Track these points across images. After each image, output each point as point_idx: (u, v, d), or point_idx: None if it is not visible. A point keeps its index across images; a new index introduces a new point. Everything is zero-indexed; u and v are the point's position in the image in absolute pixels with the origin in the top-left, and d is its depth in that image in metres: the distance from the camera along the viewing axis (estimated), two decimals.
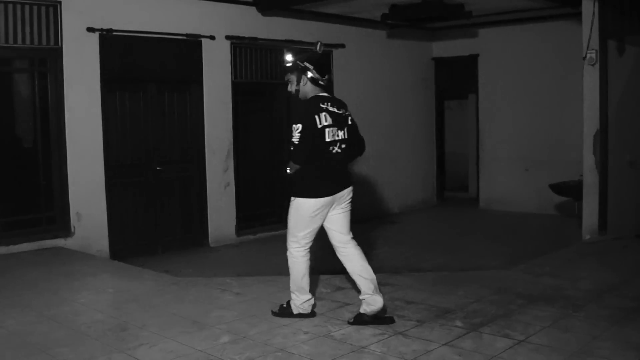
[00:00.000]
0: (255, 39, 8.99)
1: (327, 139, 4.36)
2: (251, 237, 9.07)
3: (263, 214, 9.44)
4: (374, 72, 10.79)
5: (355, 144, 4.66)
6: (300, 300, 4.56)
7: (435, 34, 11.74)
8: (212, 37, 8.49)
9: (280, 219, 9.56)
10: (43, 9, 7.06)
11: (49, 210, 7.31)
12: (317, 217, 4.40)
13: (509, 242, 8.60)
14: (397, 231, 9.84)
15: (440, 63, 11.99)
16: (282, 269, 6.88)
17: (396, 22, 9.97)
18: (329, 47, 9.99)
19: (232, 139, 8.77)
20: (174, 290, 5.45)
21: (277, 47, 9.33)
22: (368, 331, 4.26)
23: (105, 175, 7.56)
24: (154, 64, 8.06)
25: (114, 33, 7.53)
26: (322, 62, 4.58)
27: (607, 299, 4.94)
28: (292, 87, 4.51)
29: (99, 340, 4.18)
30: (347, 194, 4.50)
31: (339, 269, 6.97)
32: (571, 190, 9.14)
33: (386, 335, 4.17)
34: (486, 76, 11.36)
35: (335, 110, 4.44)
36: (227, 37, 8.66)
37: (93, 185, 7.46)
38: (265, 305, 4.92)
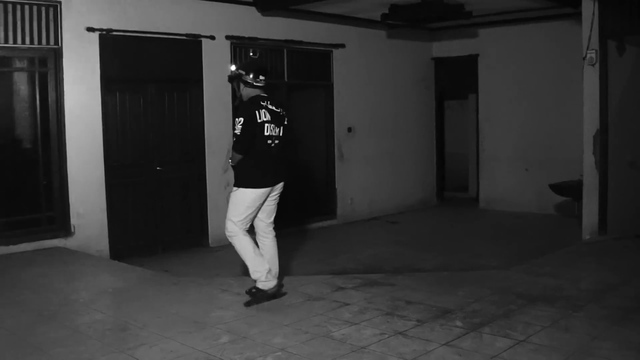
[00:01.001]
0: (255, 39, 8.99)
1: (266, 133, 4.86)
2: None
3: None
4: (374, 72, 10.79)
5: (288, 143, 5.15)
6: (263, 272, 4.90)
7: (435, 34, 11.74)
8: (212, 37, 8.49)
9: (280, 219, 9.57)
10: (43, 9, 7.06)
11: (49, 210, 7.31)
12: (256, 204, 4.92)
13: (509, 242, 8.60)
14: (397, 231, 9.84)
15: (440, 63, 11.99)
16: (282, 269, 6.90)
17: (396, 22, 9.98)
18: (329, 47, 10.01)
19: (232, 139, 8.75)
20: (174, 290, 5.45)
21: (277, 47, 9.34)
22: (368, 331, 4.26)
23: (105, 175, 7.56)
24: (154, 64, 8.06)
25: (114, 33, 7.53)
26: (260, 66, 5.15)
27: (607, 299, 4.94)
28: (237, 92, 5.06)
29: (99, 340, 4.18)
30: (280, 187, 5.08)
31: (339, 270, 6.99)
32: (571, 190, 9.14)
33: (386, 335, 4.17)
34: (486, 76, 11.36)
35: (273, 108, 4.94)
36: (227, 37, 8.67)
37: (93, 185, 7.46)
38: (266, 305, 4.93)
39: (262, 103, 4.88)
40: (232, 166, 4.98)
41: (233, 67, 5.06)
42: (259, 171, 4.88)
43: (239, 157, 4.84)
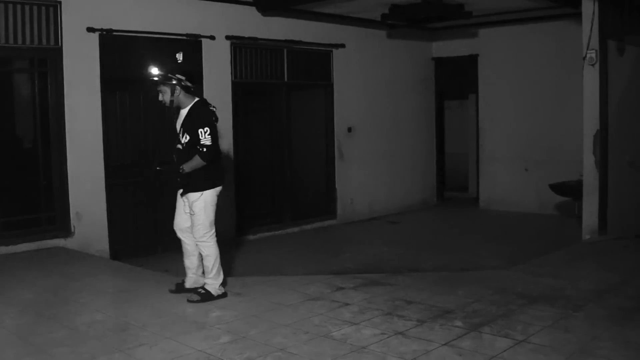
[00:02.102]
0: (255, 39, 8.99)
1: (218, 137, 5.11)
2: (251, 237, 9.08)
3: (263, 214, 9.44)
4: (374, 72, 10.79)
5: None
6: (219, 282, 5.11)
7: (435, 34, 11.74)
8: (212, 37, 8.49)
9: (280, 219, 9.60)
10: (43, 9, 7.06)
11: (49, 210, 7.31)
12: (216, 203, 5.06)
13: (509, 242, 8.60)
14: (397, 231, 9.84)
15: (440, 63, 11.99)
16: (282, 269, 6.90)
17: (396, 22, 9.98)
18: (329, 47, 10.01)
19: (232, 139, 8.77)
20: None
21: (277, 47, 9.34)
22: (368, 331, 4.26)
23: (105, 175, 7.56)
24: (154, 64, 8.02)
25: (114, 33, 7.53)
26: (189, 70, 5.16)
27: (607, 299, 4.94)
28: (164, 98, 4.98)
29: (99, 340, 4.19)
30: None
31: (339, 270, 6.99)
32: (571, 190, 9.15)
33: (386, 335, 4.17)
34: (486, 76, 11.36)
35: (215, 110, 5.09)
36: (227, 37, 8.67)
37: (93, 185, 7.46)
38: (265, 305, 4.93)
39: (212, 109, 5.01)
40: (183, 173, 4.94)
41: (155, 71, 5.00)
42: (217, 171, 5.06)
43: (202, 164, 4.89)
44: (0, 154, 7.04)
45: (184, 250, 5.28)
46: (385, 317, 4.55)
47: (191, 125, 4.93)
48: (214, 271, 5.09)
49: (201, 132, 4.84)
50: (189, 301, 5.03)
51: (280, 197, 9.62)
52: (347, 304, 4.90)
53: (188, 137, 4.92)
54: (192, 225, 5.07)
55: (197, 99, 5.05)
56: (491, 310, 4.66)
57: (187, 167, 4.92)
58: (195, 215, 5.01)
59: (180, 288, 5.25)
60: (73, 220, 7.32)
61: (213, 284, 5.10)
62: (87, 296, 5.30)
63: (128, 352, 3.95)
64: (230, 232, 8.84)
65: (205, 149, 4.86)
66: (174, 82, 4.92)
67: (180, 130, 5.01)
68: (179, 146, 5.01)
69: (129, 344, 4.09)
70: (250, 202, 9.18)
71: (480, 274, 6.20)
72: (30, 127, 7.33)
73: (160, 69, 5.01)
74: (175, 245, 8.26)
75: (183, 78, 4.93)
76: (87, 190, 7.40)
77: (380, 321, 4.47)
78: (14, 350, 4.03)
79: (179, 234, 5.25)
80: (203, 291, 5.08)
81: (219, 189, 5.06)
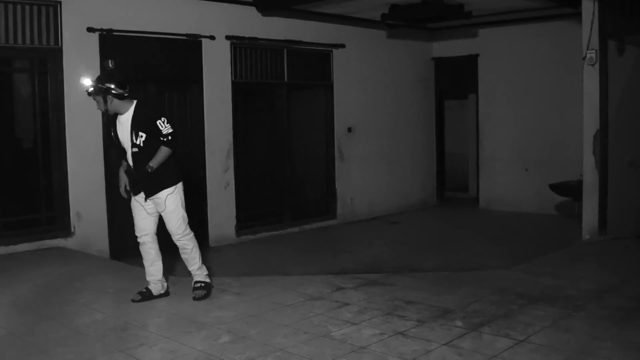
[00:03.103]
0: (255, 39, 8.99)
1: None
2: (251, 237, 9.07)
3: (263, 214, 9.45)
4: (374, 72, 10.79)
5: None
6: (206, 270, 5.24)
7: (435, 34, 11.74)
8: (212, 37, 8.49)
9: (280, 219, 9.59)
10: (43, 9, 7.06)
11: (49, 210, 7.31)
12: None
13: (509, 242, 8.59)
14: (397, 231, 9.84)
15: (440, 63, 11.98)
16: (282, 269, 6.90)
17: (396, 22, 9.98)
18: (329, 47, 10.00)
19: (232, 139, 8.77)
20: (174, 290, 5.45)
21: (277, 47, 9.34)
22: (368, 331, 4.26)
23: (105, 175, 7.56)
24: (154, 64, 8.06)
25: (114, 33, 7.53)
26: (120, 76, 4.98)
27: (607, 299, 4.94)
28: (101, 107, 4.92)
29: (99, 340, 4.19)
30: None
31: (339, 270, 6.98)
32: (571, 190, 9.15)
33: (386, 335, 4.17)
34: (486, 76, 11.35)
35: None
36: (227, 37, 8.67)
37: (93, 185, 7.46)
38: (265, 305, 4.93)
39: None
40: (151, 172, 4.88)
41: (88, 82, 4.94)
42: (178, 165, 5.11)
43: (169, 153, 4.89)
44: (0, 154, 7.04)
45: (149, 257, 5.16)
46: (385, 317, 4.55)
47: (144, 122, 4.87)
48: (200, 260, 5.18)
49: (160, 123, 4.83)
50: (196, 299, 5.05)
51: (280, 197, 9.62)
52: (347, 304, 4.90)
53: (144, 135, 4.85)
54: (171, 224, 5.04)
55: (135, 101, 4.98)
56: (491, 310, 4.66)
57: (155, 162, 4.87)
58: (174, 211, 5.02)
59: (147, 296, 5.12)
60: (73, 220, 7.32)
61: (203, 272, 5.20)
62: (87, 296, 5.30)
63: (128, 352, 3.96)
64: (230, 232, 8.85)
65: (170, 137, 4.86)
66: (104, 91, 4.82)
67: (131, 133, 4.89)
68: (135, 149, 4.89)
69: (129, 344, 4.10)
70: (251, 202, 9.17)
71: (480, 274, 6.20)
72: (30, 127, 7.34)
73: (92, 80, 4.99)
74: (173, 246, 8.31)
75: (112, 86, 4.81)
76: (87, 190, 7.40)
77: (380, 321, 4.47)
78: (14, 350, 4.03)
79: (145, 239, 5.12)
80: (203, 284, 5.16)
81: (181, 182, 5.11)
